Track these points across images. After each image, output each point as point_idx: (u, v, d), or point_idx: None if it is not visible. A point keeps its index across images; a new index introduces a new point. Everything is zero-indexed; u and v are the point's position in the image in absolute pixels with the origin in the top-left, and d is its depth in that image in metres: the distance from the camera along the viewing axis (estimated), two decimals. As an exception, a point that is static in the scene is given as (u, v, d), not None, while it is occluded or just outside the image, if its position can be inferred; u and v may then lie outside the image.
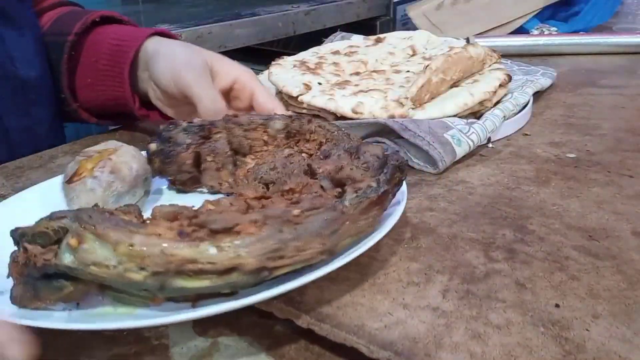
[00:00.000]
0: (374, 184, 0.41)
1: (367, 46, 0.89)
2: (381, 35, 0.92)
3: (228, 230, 0.35)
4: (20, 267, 0.36)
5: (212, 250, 0.34)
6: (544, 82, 0.81)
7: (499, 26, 1.16)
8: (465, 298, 0.40)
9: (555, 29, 1.14)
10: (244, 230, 0.35)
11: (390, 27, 1.42)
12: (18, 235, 0.36)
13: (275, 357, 0.37)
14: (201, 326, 0.40)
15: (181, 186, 0.57)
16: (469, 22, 1.15)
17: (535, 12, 1.17)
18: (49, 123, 0.76)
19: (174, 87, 0.65)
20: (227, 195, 0.55)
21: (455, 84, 0.72)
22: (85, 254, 0.34)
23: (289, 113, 0.62)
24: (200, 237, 0.34)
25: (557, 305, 0.39)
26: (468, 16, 1.16)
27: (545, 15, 1.20)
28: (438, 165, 0.58)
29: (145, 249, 0.33)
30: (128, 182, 0.50)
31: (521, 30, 1.17)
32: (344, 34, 1.03)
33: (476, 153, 0.64)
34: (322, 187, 0.41)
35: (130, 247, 0.33)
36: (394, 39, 0.90)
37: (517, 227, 0.49)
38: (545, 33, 1.13)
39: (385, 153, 0.44)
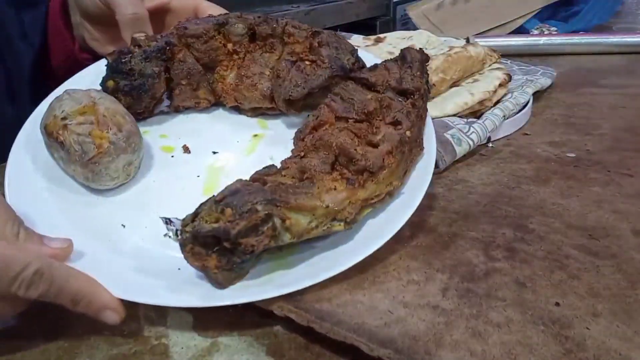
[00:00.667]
0: (427, 86, 0.50)
1: (367, 46, 0.89)
2: (381, 35, 0.92)
3: (380, 168, 0.42)
4: (219, 259, 0.38)
5: (375, 187, 0.42)
6: (544, 81, 0.81)
7: (499, 26, 1.16)
8: (466, 296, 0.40)
9: (555, 28, 1.14)
10: (386, 163, 0.43)
11: (390, 27, 1.42)
12: (234, 236, 0.37)
13: (275, 357, 0.37)
14: (201, 326, 0.40)
15: (148, 115, 0.55)
16: (469, 22, 1.15)
17: (535, 12, 1.17)
18: None
19: (99, 3, 0.61)
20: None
21: (455, 84, 0.72)
22: (296, 228, 0.39)
23: (236, 13, 0.58)
24: (364, 179, 0.42)
25: (557, 304, 0.39)
26: (468, 16, 1.16)
27: (545, 15, 1.20)
28: (438, 164, 0.58)
29: (338, 207, 0.40)
30: (135, 131, 0.49)
31: (521, 30, 1.17)
32: (344, 34, 1.03)
33: (476, 152, 0.64)
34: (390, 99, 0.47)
35: (326, 208, 0.40)
36: (394, 38, 0.90)
37: (517, 226, 0.49)
38: (545, 33, 1.13)
39: (418, 50, 0.52)
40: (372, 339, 0.36)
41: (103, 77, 0.53)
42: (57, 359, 0.38)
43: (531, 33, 1.14)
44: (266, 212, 0.38)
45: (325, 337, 0.37)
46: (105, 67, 0.53)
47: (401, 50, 0.51)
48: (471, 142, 0.61)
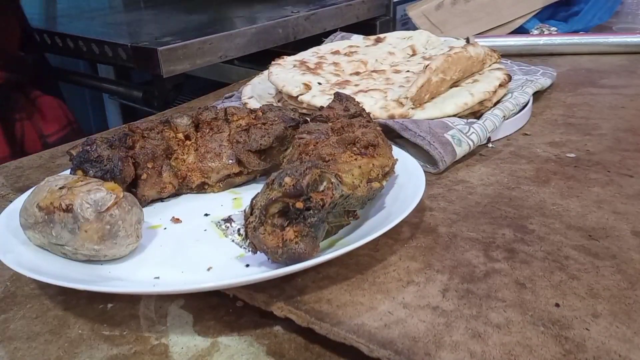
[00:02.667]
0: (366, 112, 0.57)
1: (367, 46, 0.89)
2: (381, 35, 0.92)
3: (375, 144, 0.48)
4: (295, 227, 0.40)
5: (381, 158, 0.48)
6: (544, 81, 0.81)
7: (498, 26, 1.15)
8: (465, 297, 0.40)
9: (555, 29, 1.14)
10: (380, 143, 0.49)
11: (390, 27, 1.42)
12: (306, 187, 0.40)
13: (275, 357, 0.37)
14: (201, 326, 0.40)
15: None
16: (469, 22, 1.15)
17: (534, 12, 1.17)
18: None
19: None
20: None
21: (455, 84, 0.72)
22: (347, 181, 0.44)
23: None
24: (372, 152, 0.48)
25: (557, 305, 0.39)
26: (468, 16, 1.16)
27: (544, 15, 1.20)
28: (439, 165, 0.58)
29: (366, 168, 0.46)
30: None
31: (521, 30, 1.17)
32: (343, 33, 1.03)
33: (476, 153, 0.64)
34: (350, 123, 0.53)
35: (360, 168, 0.46)
36: (394, 38, 0.90)
37: (517, 227, 0.49)
38: (545, 33, 1.13)
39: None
40: (371, 340, 0.36)
41: (70, 171, 0.52)
42: (57, 359, 0.38)
43: (531, 33, 1.14)
44: (319, 172, 0.41)
45: (325, 337, 0.37)
46: (71, 161, 0.52)
47: (334, 94, 0.58)
48: (471, 143, 0.61)
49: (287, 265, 0.40)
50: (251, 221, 0.41)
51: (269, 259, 0.41)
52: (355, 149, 0.48)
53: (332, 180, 0.42)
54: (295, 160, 0.48)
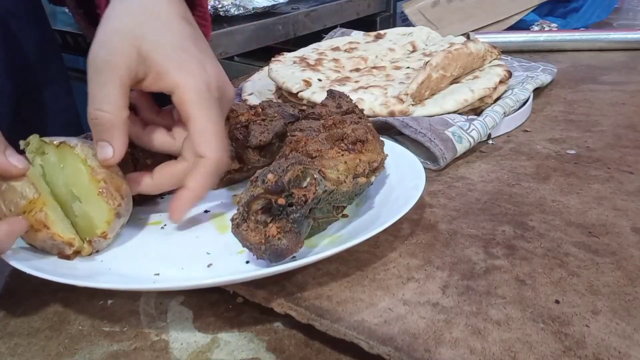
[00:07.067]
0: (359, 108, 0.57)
1: (367, 42, 0.88)
2: (381, 32, 0.91)
3: (364, 139, 0.48)
4: (277, 224, 0.40)
5: (370, 153, 0.48)
6: (544, 78, 0.81)
7: (494, 23, 1.15)
8: (465, 294, 0.40)
9: (555, 25, 1.14)
10: (369, 139, 0.49)
11: (390, 23, 1.42)
12: (287, 183, 0.40)
13: (275, 353, 0.37)
14: (201, 322, 0.40)
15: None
16: (465, 19, 1.15)
17: (531, 9, 1.16)
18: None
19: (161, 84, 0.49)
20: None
21: (455, 80, 0.72)
22: (332, 177, 0.43)
23: None
24: (360, 147, 0.48)
25: (557, 302, 0.39)
26: (464, 13, 1.15)
27: (542, 12, 1.19)
28: (439, 161, 0.58)
29: (352, 164, 0.46)
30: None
31: (522, 26, 1.16)
32: (344, 30, 1.03)
33: (476, 149, 0.64)
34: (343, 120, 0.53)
35: (345, 164, 0.45)
36: (394, 35, 0.90)
37: (517, 224, 0.49)
38: (546, 29, 1.13)
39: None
40: (371, 336, 0.36)
41: None
42: (57, 355, 0.38)
43: (531, 29, 1.14)
44: (302, 168, 0.41)
45: (325, 334, 0.37)
46: None
47: (327, 91, 0.58)
48: (471, 140, 0.61)
49: (271, 261, 0.40)
50: (235, 218, 0.41)
51: (253, 255, 0.41)
52: (342, 144, 0.47)
53: (315, 176, 0.41)
54: (282, 157, 0.48)
